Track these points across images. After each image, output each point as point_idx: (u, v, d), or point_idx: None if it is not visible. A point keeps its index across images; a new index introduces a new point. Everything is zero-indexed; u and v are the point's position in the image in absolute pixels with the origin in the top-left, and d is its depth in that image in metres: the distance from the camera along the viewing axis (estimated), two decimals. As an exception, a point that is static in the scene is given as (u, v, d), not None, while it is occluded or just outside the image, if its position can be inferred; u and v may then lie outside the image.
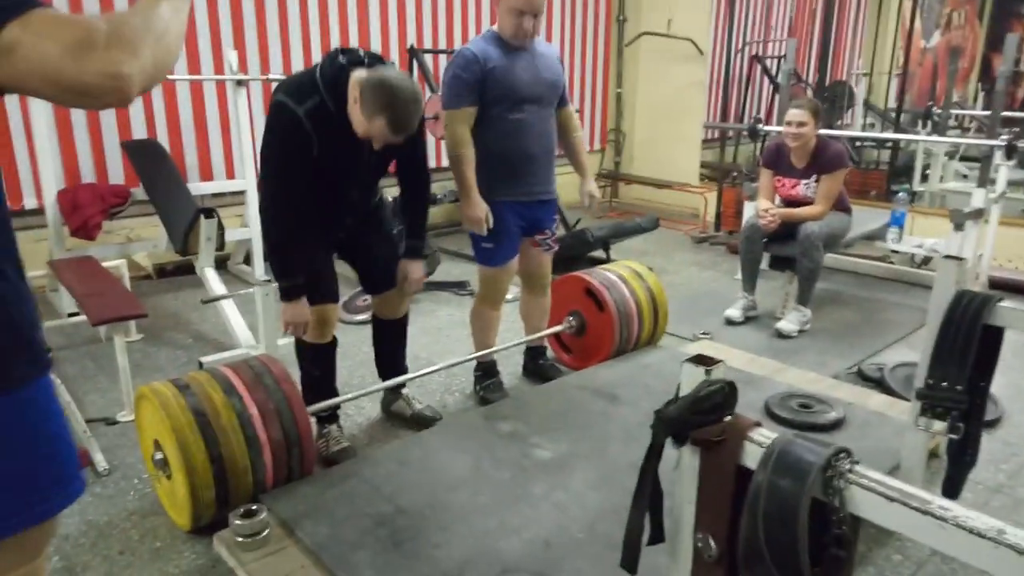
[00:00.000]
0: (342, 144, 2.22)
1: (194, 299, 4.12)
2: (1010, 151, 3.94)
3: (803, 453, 1.15)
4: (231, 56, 4.22)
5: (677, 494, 1.30)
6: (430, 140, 5.70)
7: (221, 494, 2.01)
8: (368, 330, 2.77)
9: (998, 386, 3.07)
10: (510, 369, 3.28)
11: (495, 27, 2.70)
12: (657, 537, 1.34)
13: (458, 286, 4.52)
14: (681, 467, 1.30)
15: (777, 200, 3.93)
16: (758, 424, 1.23)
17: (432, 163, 3.06)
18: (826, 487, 1.12)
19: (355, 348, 3.44)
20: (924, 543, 1.08)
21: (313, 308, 2.44)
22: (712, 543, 1.27)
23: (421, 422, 2.77)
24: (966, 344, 1.88)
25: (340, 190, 2.39)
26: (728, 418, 1.25)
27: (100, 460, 2.46)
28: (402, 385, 2.87)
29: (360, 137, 2.19)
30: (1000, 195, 4.13)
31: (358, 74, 2.15)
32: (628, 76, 7.32)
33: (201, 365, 3.09)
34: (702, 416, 1.25)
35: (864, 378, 3.17)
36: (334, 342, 2.59)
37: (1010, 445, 2.66)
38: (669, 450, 1.26)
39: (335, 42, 5.29)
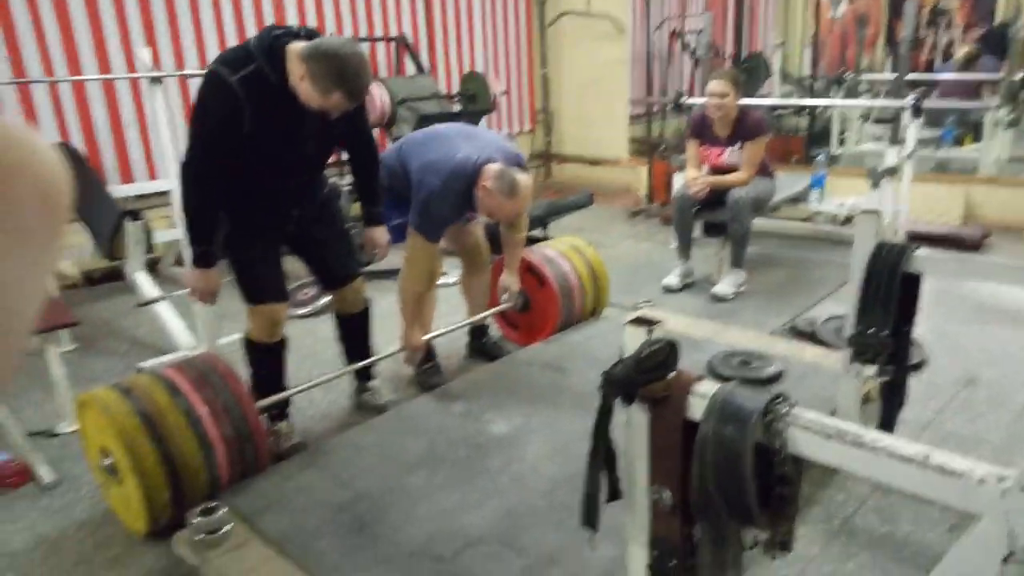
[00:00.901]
0: (281, 114, 2.16)
1: (126, 305, 4.00)
2: (916, 110, 4.16)
3: (743, 401, 1.21)
4: (143, 53, 4.06)
5: (630, 451, 1.36)
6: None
7: (176, 495, 1.98)
8: (313, 323, 2.75)
9: (921, 331, 3.26)
10: (458, 350, 3.31)
11: (479, 174, 2.64)
12: (614, 494, 1.39)
13: (397, 273, 4.49)
14: (631, 424, 1.36)
15: (705, 169, 4.05)
16: (701, 378, 1.29)
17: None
18: (767, 430, 1.18)
19: (299, 342, 3.40)
20: (860, 474, 1.16)
21: (262, 307, 2.39)
22: (667, 494, 1.33)
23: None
24: (888, 292, 2.00)
25: (284, 167, 2.32)
26: (672, 374, 1.31)
27: (45, 473, 2.39)
28: (370, 376, 2.87)
29: (311, 110, 2.14)
30: (911, 152, 4.35)
31: (296, 47, 2.09)
32: (552, 56, 7.37)
33: (140, 371, 3.01)
34: (647, 374, 1.30)
35: (798, 333, 3.32)
36: (283, 342, 2.54)
37: (935, 385, 2.84)
38: (619, 411, 1.31)
39: (252, 34, 5.15)
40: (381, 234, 2.63)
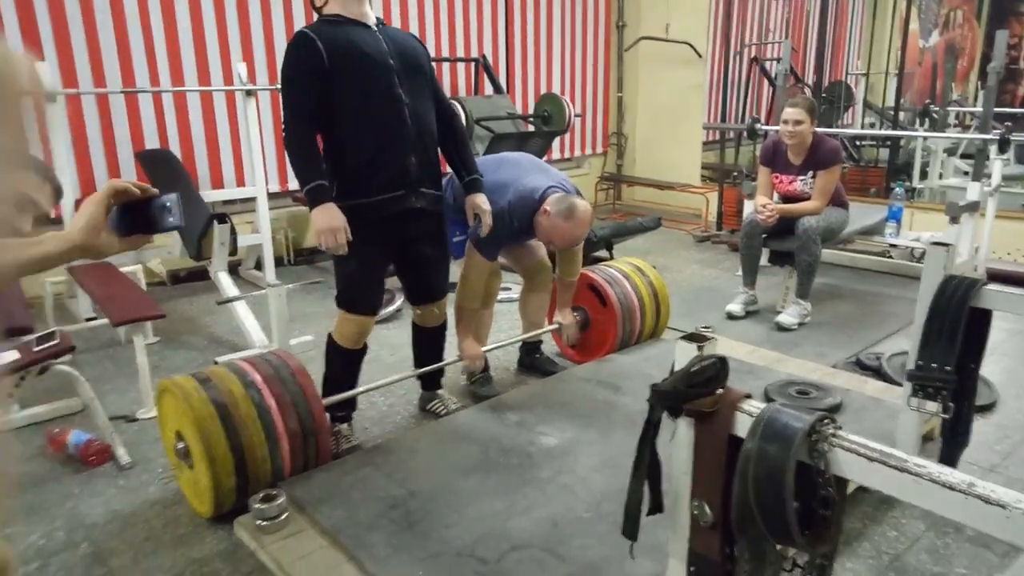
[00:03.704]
0: (354, 43, 2.29)
1: (207, 304, 4.22)
2: (1002, 145, 4.02)
3: (789, 420, 1.22)
4: (240, 68, 4.34)
5: (674, 464, 1.38)
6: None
7: (241, 482, 2.09)
8: (379, 329, 2.82)
9: (993, 371, 3.14)
10: (515, 363, 3.37)
11: (540, 205, 2.73)
12: (656, 507, 1.41)
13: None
14: (677, 438, 1.38)
15: (776, 197, 4.01)
16: (748, 396, 1.31)
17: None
18: (811, 451, 1.19)
19: (365, 347, 3.52)
20: (903, 499, 1.15)
21: (355, 316, 2.51)
22: (708, 510, 1.35)
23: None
24: (954, 326, 1.95)
25: (389, 102, 2.34)
26: (720, 391, 1.33)
27: (122, 454, 2.55)
28: (439, 385, 2.97)
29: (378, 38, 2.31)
30: (995, 188, 4.20)
31: None
32: (629, 80, 7.42)
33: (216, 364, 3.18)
34: (696, 389, 1.32)
35: (862, 367, 3.24)
36: (365, 349, 2.65)
37: (1004, 428, 2.73)
38: (667, 425, 1.34)
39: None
40: (483, 200, 2.61)
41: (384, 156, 2.37)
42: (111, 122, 4.53)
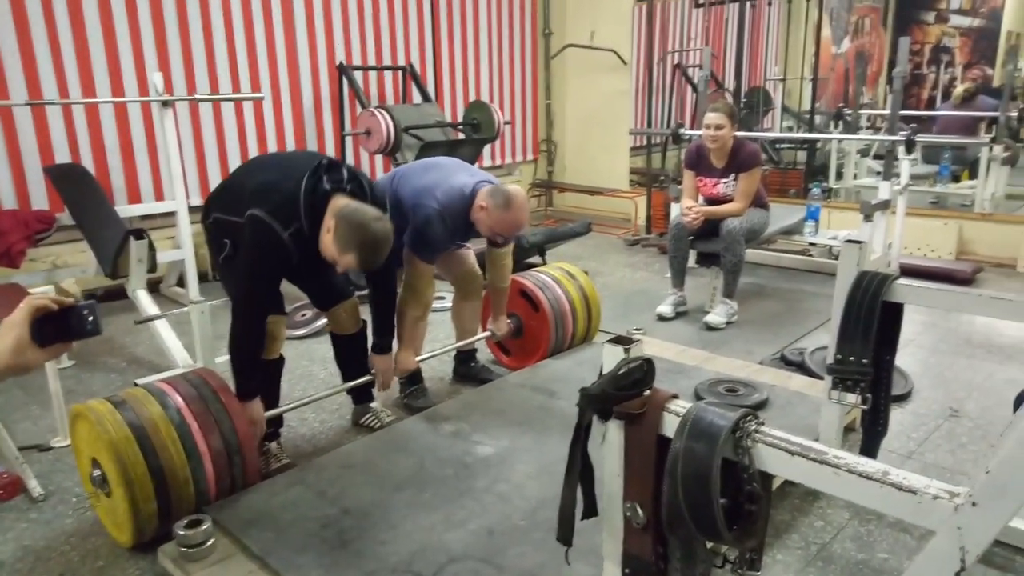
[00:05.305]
0: (317, 256, 2.30)
1: (126, 323, 4.05)
2: (909, 145, 4.23)
3: (714, 418, 1.24)
4: (156, 78, 4.17)
5: (605, 467, 1.38)
6: (363, 156, 5.75)
7: (163, 507, 2.00)
8: (308, 344, 2.77)
9: (908, 362, 3.29)
10: (449, 373, 3.34)
11: (474, 199, 2.75)
12: (590, 511, 1.41)
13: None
14: (607, 441, 1.39)
15: (701, 199, 4.11)
16: (675, 396, 1.33)
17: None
18: (736, 447, 1.21)
19: (294, 363, 3.44)
20: (823, 490, 1.19)
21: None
22: (640, 511, 1.36)
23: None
24: (868, 320, 2.03)
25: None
26: (647, 392, 1.34)
27: (35, 486, 2.41)
28: (371, 397, 2.91)
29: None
30: (904, 187, 4.41)
31: (338, 204, 2.23)
32: (556, 88, 7.50)
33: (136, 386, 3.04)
34: (624, 391, 1.34)
35: (787, 363, 3.34)
36: (281, 360, 2.58)
37: (919, 416, 2.86)
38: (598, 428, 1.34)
39: (262, 61, 5.27)
40: (383, 361, 2.71)
41: None
42: (16, 136, 4.30)
